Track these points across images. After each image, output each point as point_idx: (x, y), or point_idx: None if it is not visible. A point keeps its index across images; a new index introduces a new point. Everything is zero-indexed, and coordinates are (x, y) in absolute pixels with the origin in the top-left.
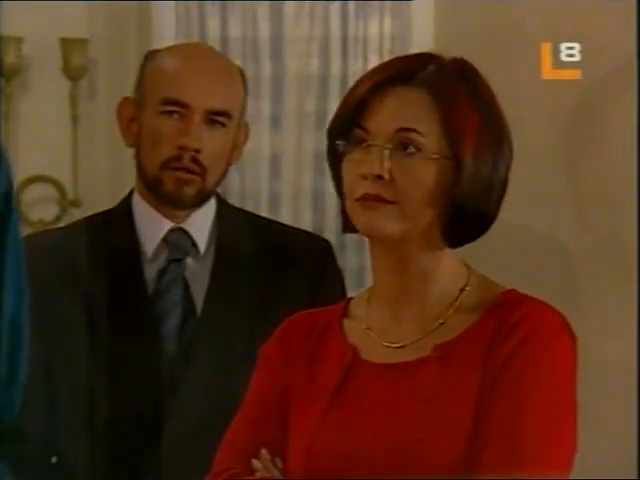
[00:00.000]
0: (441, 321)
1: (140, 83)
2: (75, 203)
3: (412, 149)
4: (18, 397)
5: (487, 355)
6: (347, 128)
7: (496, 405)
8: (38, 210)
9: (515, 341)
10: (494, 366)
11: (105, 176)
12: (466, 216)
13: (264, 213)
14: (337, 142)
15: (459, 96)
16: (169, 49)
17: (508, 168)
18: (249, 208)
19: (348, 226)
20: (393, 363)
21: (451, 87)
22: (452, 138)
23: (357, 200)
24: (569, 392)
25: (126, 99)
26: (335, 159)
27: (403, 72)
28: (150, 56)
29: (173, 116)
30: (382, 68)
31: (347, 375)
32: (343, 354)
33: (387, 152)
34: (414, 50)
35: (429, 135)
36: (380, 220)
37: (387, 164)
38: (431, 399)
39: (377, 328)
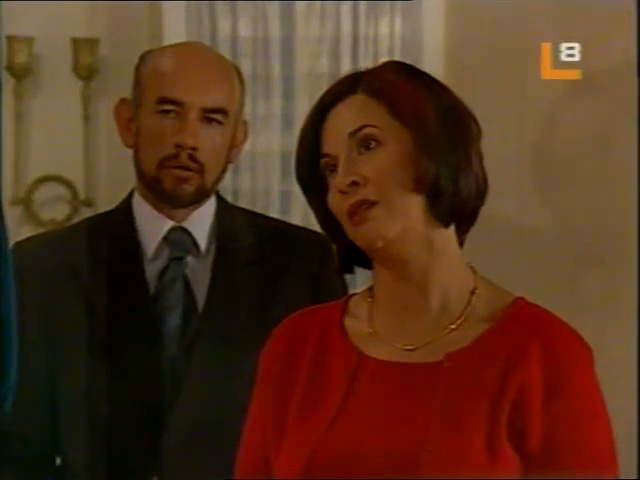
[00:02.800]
0: (453, 327)
1: (136, 84)
2: (87, 203)
3: (373, 144)
4: (9, 397)
5: (505, 377)
6: (313, 165)
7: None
8: (50, 210)
9: (547, 381)
10: (526, 401)
11: (116, 176)
12: (442, 194)
13: (275, 211)
14: (310, 185)
15: (398, 84)
16: (163, 49)
17: (473, 145)
18: (260, 206)
19: (346, 264)
20: (403, 362)
21: (389, 82)
22: (402, 117)
23: (348, 216)
24: (604, 413)
25: (123, 100)
26: (319, 203)
27: (341, 91)
28: (145, 57)
29: (169, 115)
30: (321, 96)
31: (354, 376)
32: (348, 355)
33: (352, 157)
34: (425, 50)
35: (382, 125)
36: (375, 226)
37: (356, 169)
38: (442, 408)
39: (384, 332)
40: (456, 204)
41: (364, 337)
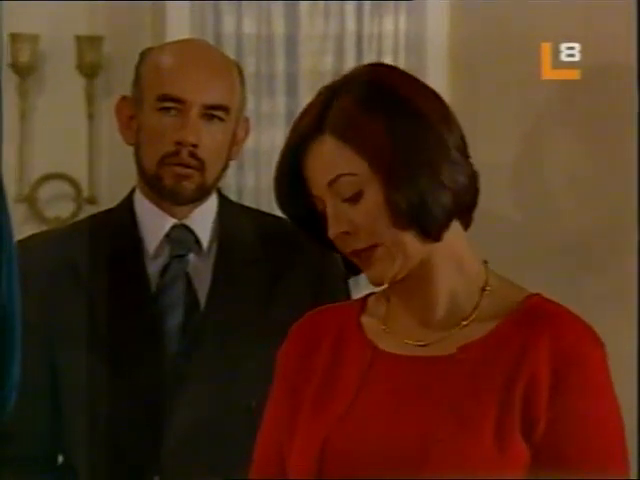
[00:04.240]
0: (464, 323)
1: (137, 81)
2: (91, 200)
3: (352, 192)
4: (11, 396)
5: (515, 369)
6: (300, 200)
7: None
8: (54, 207)
9: (555, 373)
10: (534, 393)
11: (120, 173)
12: (423, 220)
13: (279, 210)
14: (300, 217)
15: (362, 120)
16: (164, 46)
17: (443, 153)
18: (264, 204)
19: (353, 268)
20: (415, 356)
21: (353, 119)
22: (369, 159)
23: (352, 257)
24: (614, 407)
25: (124, 98)
26: (313, 228)
27: (310, 126)
28: (145, 54)
29: (170, 112)
30: (291, 135)
31: (368, 369)
32: (363, 349)
33: (337, 206)
34: (429, 48)
35: (355, 171)
36: (381, 267)
37: (345, 217)
38: (453, 400)
39: (397, 329)
40: (442, 219)
41: (379, 333)
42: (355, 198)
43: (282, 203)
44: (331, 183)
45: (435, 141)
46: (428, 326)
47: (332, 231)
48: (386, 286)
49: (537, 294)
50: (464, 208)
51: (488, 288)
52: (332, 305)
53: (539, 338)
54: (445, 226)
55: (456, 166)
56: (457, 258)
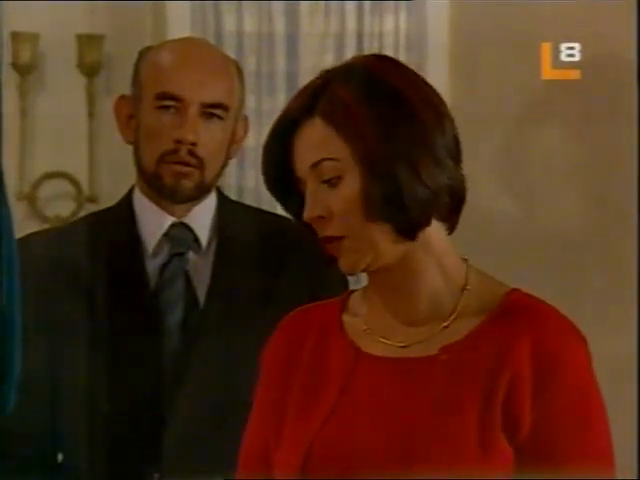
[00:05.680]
0: (445, 324)
1: (136, 80)
2: (91, 199)
3: (333, 177)
4: (12, 394)
5: (497, 368)
6: (286, 183)
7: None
8: (54, 206)
9: (538, 371)
10: (517, 392)
11: (121, 172)
12: (397, 216)
13: (280, 209)
14: (288, 200)
15: (352, 109)
16: (162, 44)
17: (429, 151)
18: (265, 204)
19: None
20: (398, 357)
21: (343, 106)
22: (353, 148)
23: (324, 243)
24: (598, 404)
25: (122, 97)
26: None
27: (301, 108)
28: (144, 53)
29: (169, 110)
30: (283, 114)
31: (351, 371)
32: (345, 351)
33: (317, 189)
34: (429, 47)
35: (339, 157)
36: (349, 258)
37: (321, 201)
38: (435, 401)
39: (378, 330)
40: (418, 216)
41: (360, 333)
42: (334, 184)
43: (269, 183)
44: (314, 165)
45: (421, 137)
46: (410, 326)
47: (307, 214)
48: (367, 284)
49: (516, 289)
50: (445, 210)
51: (468, 287)
52: (315, 303)
53: (520, 336)
54: (420, 225)
55: (440, 166)
56: (437, 258)
